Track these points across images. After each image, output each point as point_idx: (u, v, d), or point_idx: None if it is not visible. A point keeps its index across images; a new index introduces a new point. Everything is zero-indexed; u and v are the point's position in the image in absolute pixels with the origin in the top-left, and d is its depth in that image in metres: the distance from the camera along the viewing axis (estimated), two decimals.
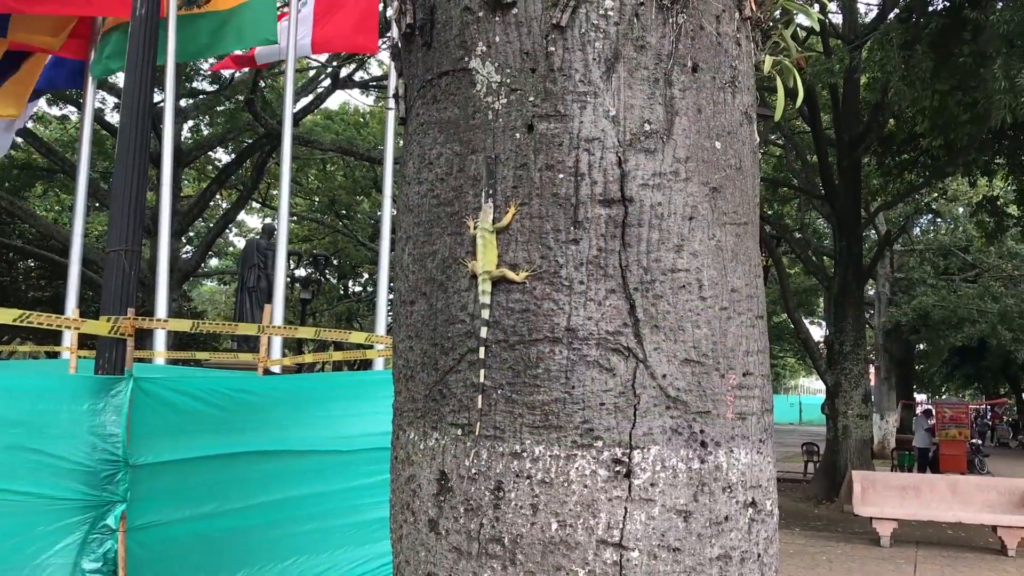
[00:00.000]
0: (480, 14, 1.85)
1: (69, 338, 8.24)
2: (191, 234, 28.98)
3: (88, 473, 4.08)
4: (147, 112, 5.42)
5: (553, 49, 1.78)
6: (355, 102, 31.00)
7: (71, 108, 22.86)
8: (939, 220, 30.97)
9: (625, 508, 1.67)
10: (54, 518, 3.98)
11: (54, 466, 4.02)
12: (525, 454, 1.70)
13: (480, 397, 1.76)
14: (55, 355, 10.64)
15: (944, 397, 44.59)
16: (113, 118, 21.49)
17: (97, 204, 21.17)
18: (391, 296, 12.52)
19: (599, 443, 1.68)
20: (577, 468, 1.68)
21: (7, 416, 4.03)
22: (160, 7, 5.72)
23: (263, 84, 18.35)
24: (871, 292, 30.87)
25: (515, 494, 1.70)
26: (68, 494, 4.02)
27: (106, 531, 4.07)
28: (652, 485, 1.68)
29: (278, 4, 9.90)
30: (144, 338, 10.89)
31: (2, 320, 4.12)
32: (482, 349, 1.76)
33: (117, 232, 5.23)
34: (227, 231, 32.70)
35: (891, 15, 14.07)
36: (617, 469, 1.67)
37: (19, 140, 18.30)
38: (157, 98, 12.16)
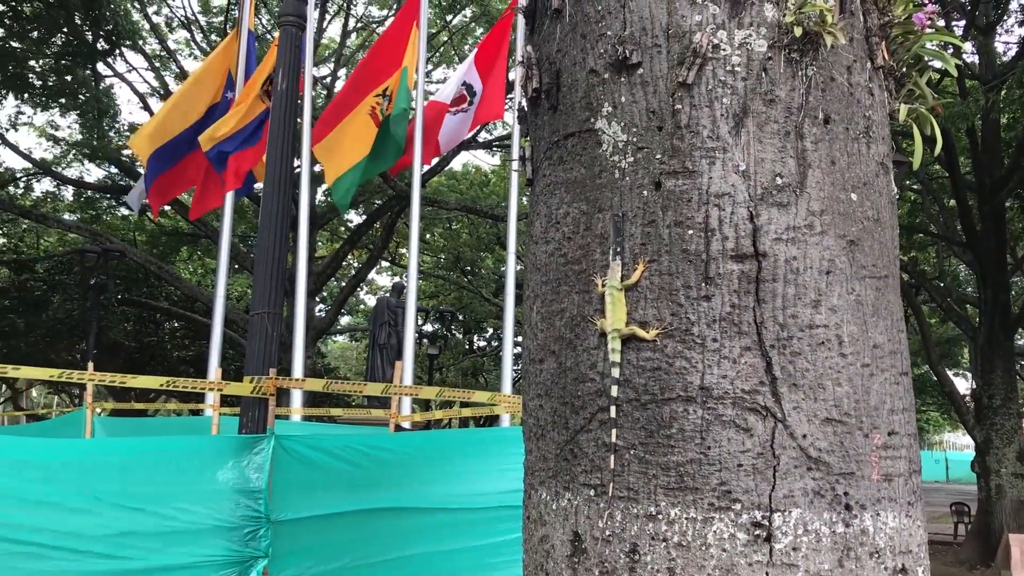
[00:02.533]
0: (606, 76, 1.87)
1: (212, 397, 8.61)
2: (324, 293, 30.02)
3: (232, 529, 4.23)
4: (288, 181, 5.70)
5: (680, 107, 1.78)
6: (477, 161, 31.70)
7: None
8: None
9: (767, 573, 1.61)
10: (202, 573, 4.13)
11: (202, 524, 4.18)
12: (660, 516, 1.67)
13: (612, 457, 1.74)
14: (198, 412, 11.14)
15: None
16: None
17: (237, 267, 22.24)
18: (516, 351, 12.58)
19: (737, 505, 1.63)
20: (715, 531, 1.63)
21: (159, 476, 4.23)
22: (300, 85, 6.05)
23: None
24: (1021, 342, 29.07)
25: (651, 557, 1.66)
26: (215, 551, 4.17)
27: None
28: (794, 550, 1.62)
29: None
30: (281, 396, 11.29)
31: (149, 386, 4.36)
32: (613, 408, 1.75)
33: (260, 295, 5.48)
34: (358, 289, 33.72)
35: None
36: (757, 533, 1.62)
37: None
38: (295, 164, 12.75)
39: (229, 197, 10.58)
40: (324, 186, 23.88)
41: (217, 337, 10.31)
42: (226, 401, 9.69)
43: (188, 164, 11.32)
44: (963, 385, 30.48)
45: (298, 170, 10.67)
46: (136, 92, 21.76)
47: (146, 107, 21.84)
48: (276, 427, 4.74)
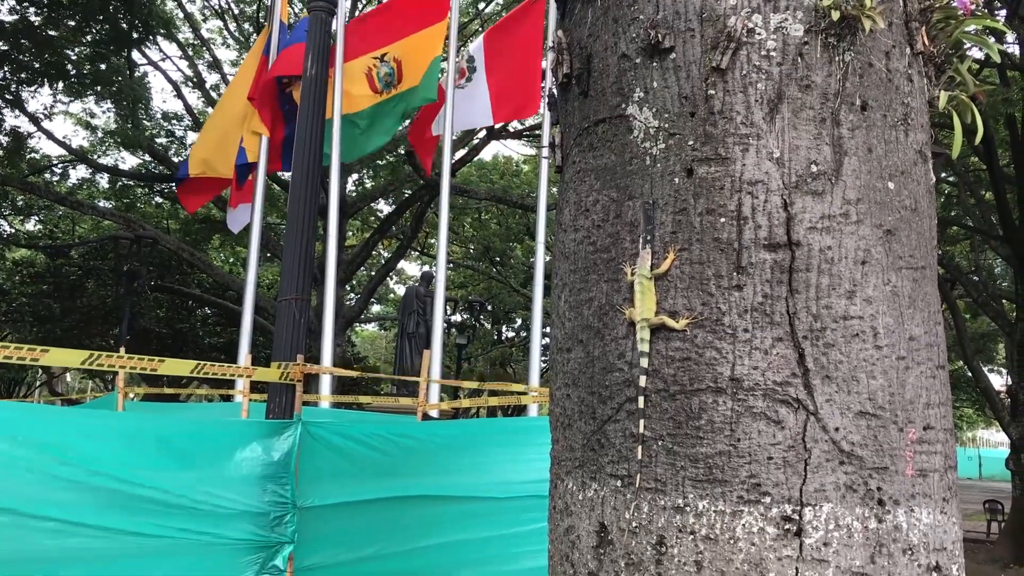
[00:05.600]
0: (637, 60, 1.84)
1: (242, 383, 8.68)
2: (354, 282, 30.16)
3: (259, 515, 4.25)
4: (317, 168, 5.71)
5: (713, 92, 1.74)
6: (507, 151, 31.62)
7: None
8: None
9: (796, 568, 1.58)
10: (229, 557, 4.16)
11: (229, 508, 4.21)
12: (688, 508, 1.64)
13: (640, 448, 1.71)
14: (229, 398, 11.23)
15: None
16: (284, 174, 22.77)
17: (269, 255, 22.40)
18: (544, 341, 12.54)
19: (767, 499, 1.60)
20: (744, 525, 1.60)
21: (187, 460, 4.27)
22: (329, 70, 6.05)
23: None
24: None
25: (678, 550, 1.64)
26: (241, 535, 4.19)
27: (275, 571, 4.22)
28: (825, 545, 1.59)
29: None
30: (311, 382, 11.36)
31: (179, 372, 4.39)
32: (641, 399, 1.72)
33: (288, 282, 5.50)
34: (388, 279, 33.86)
35: None
36: (787, 527, 1.59)
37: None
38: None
39: (260, 185, 10.65)
40: (355, 176, 24.01)
41: (247, 324, 10.37)
42: (256, 388, 9.75)
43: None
44: (998, 381, 30.03)
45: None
46: (170, 80, 21.92)
47: (179, 95, 22.00)
48: (303, 413, 4.76)
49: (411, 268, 38.06)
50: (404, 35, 10.10)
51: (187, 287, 24.91)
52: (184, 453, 4.25)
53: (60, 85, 17.88)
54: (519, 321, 36.82)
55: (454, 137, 11.61)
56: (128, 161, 25.40)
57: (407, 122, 13.00)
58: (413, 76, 10.30)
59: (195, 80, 22.55)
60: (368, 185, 24.96)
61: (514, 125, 23.32)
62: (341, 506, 4.66)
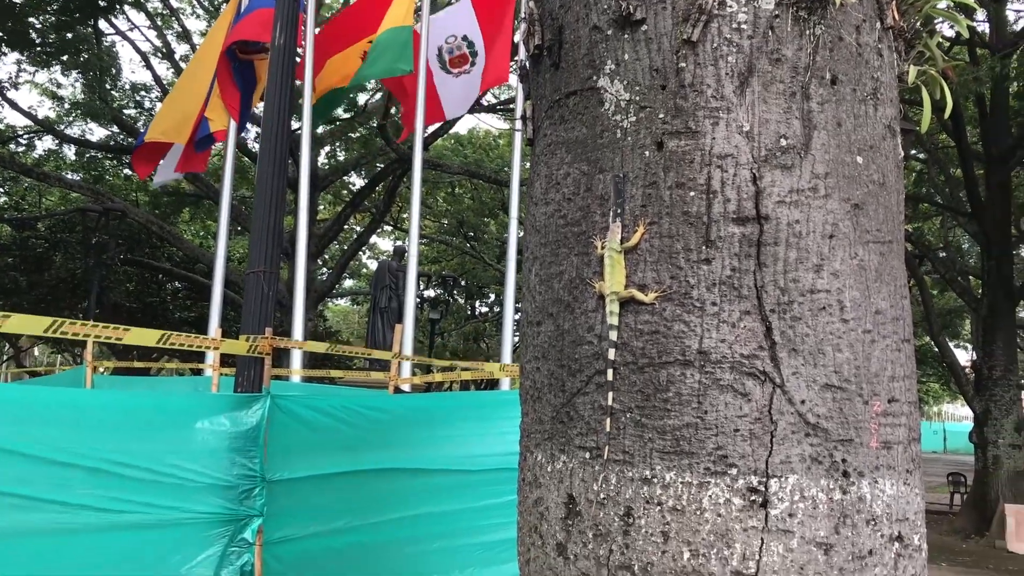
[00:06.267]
0: (609, 32, 1.83)
1: (212, 357, 8.62)
2: (326, 256, 29.99)
3: (227, 488, 4.23)
4: (285, 139, 5.64)
5: (684, 65, 1.74)
6: (484, 125, 31.46)
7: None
8: None
9: (761, 539, 1.59)
10: (196, 531, 4.14)
11: (196, 481, 4.19)
12: (655, 480, 1.66)
13: (608, 420, 1.72)
14: (199, 372, 11.16)
15: None
16: (255, 147, 22.52)
17: (240, 228, 22.19)
18: (517, 316, 12.60)
19: (733, 470, 1.61)
20: (710, 496, 1.62)
21: (153, 434, 4.23)
22: (297, 38, 5.97)
23: (394, 111, 18.85)
24: (1023, 314, 29.04)
25: (645, 520, 1.65)
26: (209, 508, 4.18)
27: (244, 544, 4.22)
28: (790, 516, 1.60)
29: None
30: (282, 357, 11.31)
31: (145, 342, 4.33)
32: (610, 371, 1.73)
33: (257, 254, 5.45)
34: (360, 253, 33.70)
35: None
36: (753, 498, 1.60)
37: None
38: (295, 126, 12.72)
39: (230, 157, 10.53)
40: (327, 148, 23.80)
41: (218, 298, 10.30)
42: (227, 361, 9.70)
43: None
44: (963, 356, 30.50)
45: (299, 131, 10.63)
46: (138, 51, 21.55)
47: (148, 66, 21.65)
48: (273, 387, 4.73)
49: (384, 243, 37.92)
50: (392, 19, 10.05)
51: (157, 260, 24.67)
52: (150, 426, 4.21)
53: (25, 54, 17.53)
54: (492, 296, 36.84)
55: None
56: (96, 132, 25.01)
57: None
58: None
59: (164, 51, 22.18)
60: (340, 158, 24.76)
61: (488, 98, 23.21)
62: (311, 479, 4.65)
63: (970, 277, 22.11)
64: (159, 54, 22.60)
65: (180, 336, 4.45)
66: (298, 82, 8.37)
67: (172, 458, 4.13)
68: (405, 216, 28.79)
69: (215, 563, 4.12)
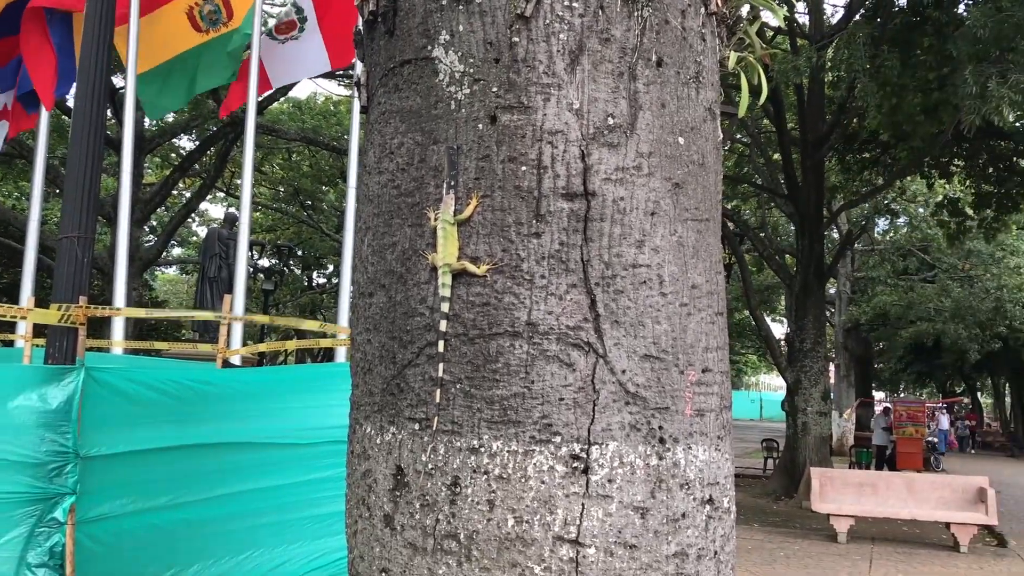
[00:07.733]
0: (444, 2, 1.82)
1: (24, 327, 8.06)
2: (153, 223, 28.57)
3: (35, 466, 3.99)
4: (102, 95, 5.30)
5: (517, 40, 1.75)
6: (324, 91, 30.69)
7: None
8: (899, 220, 31.43)
9: (582, 504, 1.65)
10: None
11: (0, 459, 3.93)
12: (483, 449, 1.68)
13: (439, 391, 1.73)
14: (10, 344, 10.42)
15: (902, 395, 45.31)
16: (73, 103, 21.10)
17: (57, 191, 20.79)
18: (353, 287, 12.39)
19: (557, 439, 1.66)
20: (535, 464, 1.66)
21: None
22: None
23: None
24: (832, 291, 31.25)
25: (472, 489, 1.68)
26: (13, 487, 3.93)
27: (53, 524, 3.99)
28: (610, 481, 1.67)
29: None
30: (102, 327, 10.72)
31: None
32: (441, 343, 1.74)
33: (70, 218, 5.10)
34: (190, 220, 32.30)
35: (857, 16, 14.20)
36: (575, 465, 1.66)
37: None
38: (120, 83, 12.01)
39: (44, 114, 9.83)
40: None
41: (31, 264, 9.67)
42: (41, 332, 9.09)
43: None
44: (779, 330, 32.55)
45: (123, 89, 10.04)
46: None
47: None
48: (89, 359, 4.48)
49: (216, 210, 36.45)
50: None
51: None
52: None
53: None
54: (331, 267, 36.21)
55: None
56: None
57: None
58: (242, 13, 9.84)
59: None
60: (169, 119, 23.57)
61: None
62: (132, 454, 4.44)
63: (786, 255, 23.55)
64: None
65: None
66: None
67: None
68: (238, 182, 27.80)
69: (20, 545, 3.89)
